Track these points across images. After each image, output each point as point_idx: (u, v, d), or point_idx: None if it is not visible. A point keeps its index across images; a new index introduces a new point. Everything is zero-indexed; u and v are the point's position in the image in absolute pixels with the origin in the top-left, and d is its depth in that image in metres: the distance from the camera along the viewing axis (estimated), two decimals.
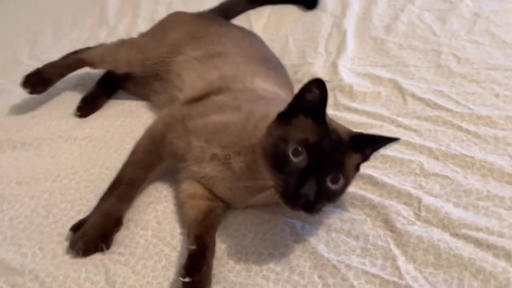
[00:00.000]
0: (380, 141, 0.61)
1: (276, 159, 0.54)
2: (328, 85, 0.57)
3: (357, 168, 0.61)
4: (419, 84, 0.90)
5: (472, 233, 0.62)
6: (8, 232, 0.70)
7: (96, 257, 0.64)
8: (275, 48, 1.02)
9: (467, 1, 1.11)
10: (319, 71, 0.97)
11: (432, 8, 1.12)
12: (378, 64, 0.98)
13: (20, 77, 0.91)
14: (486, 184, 0.69)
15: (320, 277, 0.60)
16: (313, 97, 0.56)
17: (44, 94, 0.95)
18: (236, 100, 0.70)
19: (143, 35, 0.99)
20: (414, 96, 0.87)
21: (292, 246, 0.63)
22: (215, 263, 0.62)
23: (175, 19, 0.98)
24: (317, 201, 0.55)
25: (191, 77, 0.81)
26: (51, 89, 0.95)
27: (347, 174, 0.57)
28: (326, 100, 0.56)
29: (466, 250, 0.61)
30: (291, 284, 0.60)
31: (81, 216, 0.69)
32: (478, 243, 0.61)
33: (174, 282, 0.61)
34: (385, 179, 0.71)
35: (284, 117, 0.57)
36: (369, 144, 0.60)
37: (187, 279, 0.55)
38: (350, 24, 1.11)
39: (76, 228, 0.66)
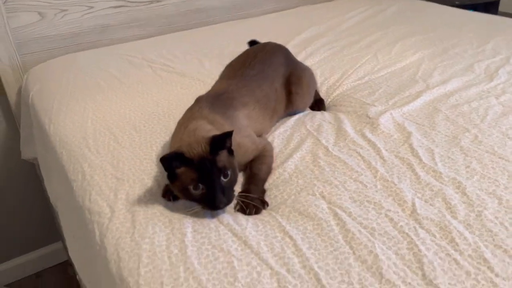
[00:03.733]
0: (226, 136, 0.80)
1: (190, 197, 0.79)
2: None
3: (230, 153, 0.82)
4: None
5: None
6: None
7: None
8: None
9: None
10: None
11: None
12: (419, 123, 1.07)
13: None
14: None
15: None
16: (168, 163, 0.79)
17: None
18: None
19: None
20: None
21: None
22: None
23: None
24: (228, 196, 0.78)
25: None
26: None
27: (227, 165, 0.79)
28: (177, 157, 0.78)
29: None
30: None
31: None
32: None
33: None
34: None
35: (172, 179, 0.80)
36: (221, 141, 0.79)
37: None
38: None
39: None
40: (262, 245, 0.72)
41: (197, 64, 1.51)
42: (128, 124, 1.13)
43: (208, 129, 0.86)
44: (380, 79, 1.33)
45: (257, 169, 0.90)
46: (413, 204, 0.79)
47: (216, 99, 0.98)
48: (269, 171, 0.92)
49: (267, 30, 1.82)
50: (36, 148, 1.39)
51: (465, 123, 1.04)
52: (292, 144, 1.01)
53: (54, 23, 1.68)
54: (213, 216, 0.79)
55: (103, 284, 0.78)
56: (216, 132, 0.83)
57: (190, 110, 0.96)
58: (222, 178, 0.78)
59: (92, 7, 1.73)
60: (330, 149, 0.98)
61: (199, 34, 1.83)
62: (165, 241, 0.73)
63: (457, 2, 2.38)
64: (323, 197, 0.82)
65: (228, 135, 0.80)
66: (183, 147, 0.79)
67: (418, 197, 0.81)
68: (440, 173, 0.87)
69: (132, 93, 1.31)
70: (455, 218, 0.76)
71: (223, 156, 0.80)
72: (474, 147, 0.94)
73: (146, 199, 0.85)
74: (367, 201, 0.80)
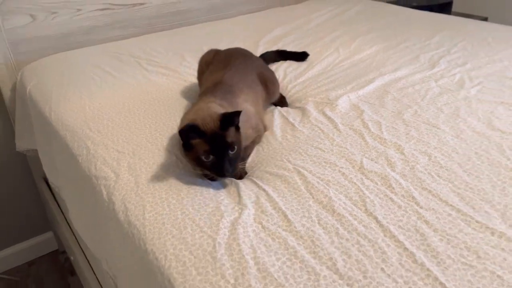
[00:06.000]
0: (235, 114, 0.93)
1: (201, 164, 0.93)
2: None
3: (237, 130, 0.95)
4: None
5: None
6: None
7: None
8: None
9: None
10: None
11: None
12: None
13: None
14: None
15: None
16: (186, 134, 0.92)
17: None
18: None
19: None
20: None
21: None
22: None
23: None
24: (233, 166, 0.93)
25: None
26: None
27: (234, 140, 0.93)
28: (195, 130, 0.91)
29: None
30: None
31: None
32: None
33: None
34: None
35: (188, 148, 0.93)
36: (231, 118, 0.93)
37: None
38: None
39: None
40: (242, 195, 0.90)
41: (179, 58, 1.69)
42: (123, 108, 1.29)
43: (218, 108, 0.98)
44: (341, 68, 1.53)
45: (248, 147, 1.07)
46: (361, 162, 0.99)
47: (217, 89, 1.11)
48: (254, 147, 1.10)
49: (240, 29, 2.01)
50: (36, 137, 1.53)
51: (408, 101, 1.25)
52: (268, 122, 1.20)
53: (45, 25, 1.83)
54: (218, 181, 0.96)
55: (111, 233, 0.95)
56: (225, 111, 0.98)
57: (199, 100, 1.09)
58: (229, 151, 0.90)
59: (80, 10, 1.88)
60: (296, 125, 1.17)
61: (179, 33, 2.01)
62: (165, 194, 0.91)
63: (414, 4, 2.64)
64: (289, 161, 1.01)
65: (236, 113, 0.91)
66: (197, 120, 0.91)
67: (365, 157, 1.01)
68: (385, 139, 1.07)
69: (123, 84, 1.48)
70: (394, 170, 0.96)
71: (231, 132, 0.91)
72: (414, 119, 1.16)
73: (145, 165, 1.02)
74: (324, 162, 1.00)
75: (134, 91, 1.42)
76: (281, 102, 1.34)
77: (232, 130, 0.94)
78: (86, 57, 1.75)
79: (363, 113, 1.20)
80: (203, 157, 0.91)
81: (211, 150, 0.91)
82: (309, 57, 1.64)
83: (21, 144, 1.76)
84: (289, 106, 1.33)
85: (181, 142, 0.94)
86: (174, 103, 1.32)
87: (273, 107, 1.31)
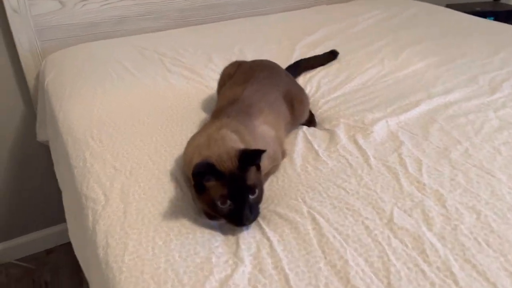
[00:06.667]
0: (258, 153, 0.78)
1: (216, 211, 0.79)
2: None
3: (258, 169, 0.81)
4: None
5: None
6: None
7: None
8: None
9: None
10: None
11: None
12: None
13: None
14: None
15: None
16: (201, 175, 0.77)
17: None
18: None
19: None
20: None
21: None
22: None
23: None
24: (254, 213, 0.79)
25: None
26: None
27: (256, 183, 0.79)
28: (211, 169, 0.76)
29: None
30: None
31: None
32: None
33: None
34: None
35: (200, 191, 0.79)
36: (252, 157, 0.78)
37: None
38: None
39: None
40: (241, 244, 0.76)
41: (206, 59, 1.55)
42: (132, 115, 1.18)
43: (235, 139, 0.85)
44: (383, 84, 1.34)
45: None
46: (391, 213, 0.82)
47: (233, 108, 0.97)
48: (267, 179, 0.95)
49: (278, 29, 1.85)
50: (48, 132, 1.46)
51: (458, 135, 1.05)
52: (287, 146, 1.04)
53: (74, 12, 1.75)
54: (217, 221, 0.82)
55: (92, 267, 0.83)
56: (242, 143, 0.84)
57: (211, 121, 0.96)
58: (250, 195, 0.77)
59: None
60: (320, 154, 1.01)
61: (211, 29, 1.87)
62: (152, 232, 0.78)
63: (478, 9, 2.35)
64: (304, 201, 0.85)
65: (259, 152, 0.77)
66: (213, 157, 0.77)
67: (397, 207, 0.83)
68: (424, 184, 0.89)
69: (139, 85, 1.36)
70: (430, 230, 0.78)
71: (252, 173, 0.78)
72: (463, 160, 0.96)
73: (140, 191, 0.90)
74: (347, 208, 0.83)
75: (150, 94, 1.30)
76: (310, 121, 1.17)
77: (253, 170, 0.79)
78: (110, 49, 1.65)
79: (401, 145, 1.02)
80: (218, 203, 0.76)
81: (229, 194, 0.76)
82: (348, 67, 1.45)
83: (41, 134, 1.70)
84: (317, 126, 1.16)
85: (191, 181, 0.80)
86: (190, 114, 1.19)
87: (299, 127, 1.15)
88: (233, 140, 0.84)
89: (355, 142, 1.04)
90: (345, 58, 1.53)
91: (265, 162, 0.90)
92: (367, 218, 0.81)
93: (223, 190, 0.76)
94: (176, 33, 1.83)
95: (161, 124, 1.14)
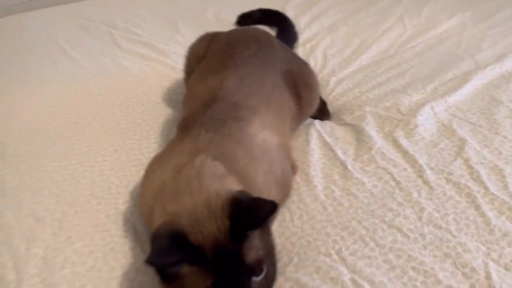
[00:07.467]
0: (265, 207, 0.47)
1: None
2: None
3: (265, 226, 0.49)
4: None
5: None
6: None
7: None
8: None
9: None
10: None
11: None
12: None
13: None
14: None
15: None
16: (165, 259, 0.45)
17: None
18: None
19: None
20: None
21: None
22: None
23: None
24: None
25: None
26: None
27: (261, 257, 0.47)
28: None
29: None
30: None
31: None
32: None
33: None
34: None
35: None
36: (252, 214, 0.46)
37: None
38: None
39: None
40: None
41: (170, 29, 1.18)
42: (68, 120, 0.83)
43: (220, 172, 0.52)
44: (410, 52, 1.01)
45: None
46: (488, 274, 0.50)
47: (211, 115, 0.62)
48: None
49: None
50: None
51: None
52: (298, 156, 0.71)
53: None
54: None
55: None
56: (233, 178, 0.51)
57: (179, 138, 0.61)
58: (253, 277, 0.46)
59: None
60: (349, 167, 0.68)
61: None
62: None
63: None
64: (343, 259, 0.53)
65: (267, 206, 0.46)
66: (184, 218, 0.46)
67: (493, 260, 0.52)
68: None
69: (80, 73, 1.00)
70: None
71: (254, 241, 0.47)
72: None
73: (73, 257, 0.56)
74: (412, 268, 0.51)
75: (93, 86, 0.94)
76: (321, 111, 0.83)
77: (255, 235, 0.47)
78: (45, 22, 1.28)
79: (464, 145, 0.70)
80: None
81: (217, 283, 0.44)
82: (360, 31, 1.10)
83: None
84: (332, 118, 0.83)
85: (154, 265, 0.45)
86: (153, 113, 0.84)
87: (307, 121, 0.81)
88: (217, 176, 0.51)
89: (396, 144, 0.72)
90: (353, 18, 1.17)
91: (272, 192, 0.58)
92: (451, 287, 0.49)
93: (206, 280, 0.44)
94: None
95: (110, 132, 0.78)
